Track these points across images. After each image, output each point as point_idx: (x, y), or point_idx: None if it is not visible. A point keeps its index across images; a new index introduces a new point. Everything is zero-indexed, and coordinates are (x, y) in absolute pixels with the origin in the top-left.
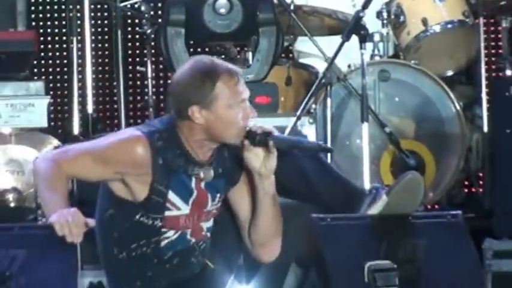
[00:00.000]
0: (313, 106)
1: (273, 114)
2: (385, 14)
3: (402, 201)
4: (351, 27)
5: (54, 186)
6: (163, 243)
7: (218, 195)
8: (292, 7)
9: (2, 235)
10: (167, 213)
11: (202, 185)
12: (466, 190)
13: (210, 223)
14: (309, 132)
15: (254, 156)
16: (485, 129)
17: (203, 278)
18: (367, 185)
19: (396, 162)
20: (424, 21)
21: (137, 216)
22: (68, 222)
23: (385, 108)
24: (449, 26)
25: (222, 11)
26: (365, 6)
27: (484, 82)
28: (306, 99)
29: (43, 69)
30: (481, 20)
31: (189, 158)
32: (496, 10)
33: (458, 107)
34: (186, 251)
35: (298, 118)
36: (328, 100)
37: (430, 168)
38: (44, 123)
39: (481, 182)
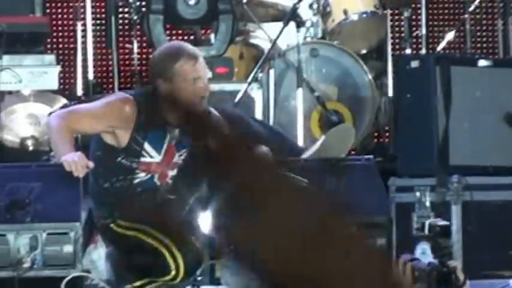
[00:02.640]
0: (260, 75)
1: (230, 81)
2: (315, 6)
3: (335, 144)
4: (289, 16)
5: (63, 136)
6: (135, 181)
7: (184, 150)
8: (244, 0)
9: (23, 171)
10: (142, 159)
11: (173, 141)
12: (376, 140)
13: (174, 172)
14: (257, 95)
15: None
16: (390, 94)
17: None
18: (300, 135)
19: (323, 119)
20: (345, 12)
21: (119, 159)
22: (74, 161)
23: (314, 77)
24: (364, 15)
25: (191, 2)
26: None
27: (390, 58)
28: (255, 70)
29: (54, 45)
30: (388, 11)
31: (162, 119)
32: (400, 3)
33: (370, 77)
34: (151, 190)
35: (249, 84)
36: (272, 71)
37: (349, 123)
38: (55, 87)
39: (387, 135)
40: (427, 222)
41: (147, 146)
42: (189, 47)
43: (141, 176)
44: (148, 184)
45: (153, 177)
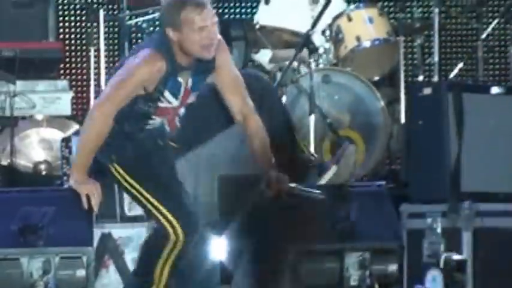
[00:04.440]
0: None
1: None
2: (328, 32)
3: (344, 171)
4: (303, 42)
5: (88, 152)
6: (147, 127)
7: (196, 92)
8: (258, 26)
9: (36, 196)
10: (160, 104)
11: (188, 84)
12: (387, 166)
13: (182, 110)
14: None
15: None
16: (403, 121)
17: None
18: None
19: (335, 146)
20: (358, 38)
21: (138, 104)
22: (90, 196)
23: (326, 104)
24: (376, 42)
25: None
26: (313, 26)
27: (402, 85)
28: None
29: (68, 71)
30: (401, 38)
31: (179, 66)
32: (412, 31)
33: (383, 104)
34: (158, 132)
35: None
36: (284, 97)
37: (361, 150)
38: (68, 112)
39: (399, 161)
40: (442, 256)
41: (167, 93)
42: None
43: (154, 121)
44: (157, 129)
45: (163, 124)
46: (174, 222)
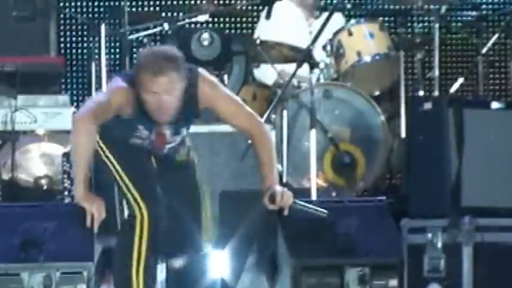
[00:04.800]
0: (273, 116)
1: None
2: (328, 47)
3: None
4: (303, 57)
5: (83, 163)
6: (131, 142)
7: (176, 135)
8: (258, 41)
9: (37, 211)
10: (136, 133)
11: (166, 135)
12: (388, 182)
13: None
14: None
15: None
16: (403, 135)
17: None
18: (313, 176)
19: (336, 160)
20: (358, 53)
21: (115, 129)
22: (94, 215)
23: (327, 118)
24: (377, 57)
25: (205, 43)
26: (314, 41)
27: (403, 100)
28: (268, 111)
29: (69, 86)
30: (402, 53)
31: (148, 115)
32: (413, 46)
33: (383, 119)
34: (143, 151)
35: None
36: (285, 112)
37: (361, 165)
38: (69, 127)
39: (399, 176)
40: None
41: (141, 127)
42: (159, 59)
43: (138, 141)
44: (141, 148)
45: (146, 148)
46: (140, 202)
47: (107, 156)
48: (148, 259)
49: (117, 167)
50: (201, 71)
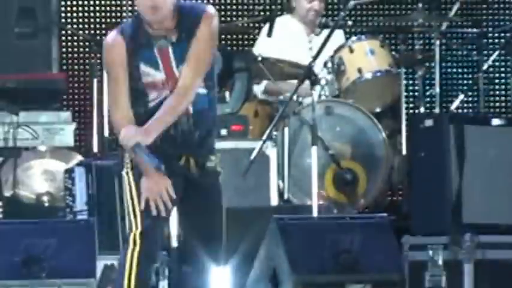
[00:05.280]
0: (275, 133)
1: (244, 139)
2: (330, 64)
3: None
4: (305, 74)
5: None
6: (151, 104)
7: (182, 61)
8: (260, 58)
9: (38, 227)
10: (144, 79)
11: (170, 54)
12: (389, 198)
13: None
14: (272, 153)
15: None
16: (404, 152)
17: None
18: (315, 193)
19: (337, 177)
20: (360, 70)
21: (132, 84)
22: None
23: (329, 135)
24: (378, 74)
25: None
26: (315, 58)
27: (404, 116)
28: (270, 128)
29: (71, 102)
30: (402, 70)
31: (148, 34)
32: (414, 62)
33: (384, 135)
34: None
35: (264, 142)
36: (286, 129)
37: (362, 181)
38: (71, 143)
39: (400, 193)
40: None
41: (143, 67)
42: None
43: (153, 97)
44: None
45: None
46: (139, 222)
47: (131, 194)
48: (139, 274)
49: (132, 182)
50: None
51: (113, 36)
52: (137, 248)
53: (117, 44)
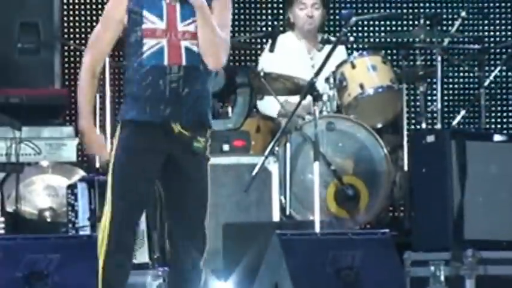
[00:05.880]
0: (277, 149)
1: (247, 154)
2: (332, 80)
3: None
4: (307, 90)
5: (84, 94)
6: (145, 55)
7: (188, 19)
8: (262, 74)
9: (41, 243)
10: (144, 25)
11: (175, 6)
12: (391, 214)
13: (190, 45)
14: (274, 168)
15: None
16: (406, 168)
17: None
18: (317, 209)
19: (339, 193)
20: (361, 86)
21: (129, 38)
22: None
23: (330, 151)
24: (380, 89)
25: None
26: (317, 74)
27: (405, 132)
28: (272, 144)
29: (73, 118)
30: (404, 85)
31: None
32: (415, 78)
33: (386, 151)
34: (158, 70)
35: (266, 158)
36: (288, 144)
37: (364, 197)
38: (73, 159)
39: (402, 209)
40: None
41: (146, 13)
42: None
43: (150, 43)
44: (156, 59)
45: (162, 51)
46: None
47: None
48: (107, 263)
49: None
50: None
51: None
52: (106, 232)
53: None
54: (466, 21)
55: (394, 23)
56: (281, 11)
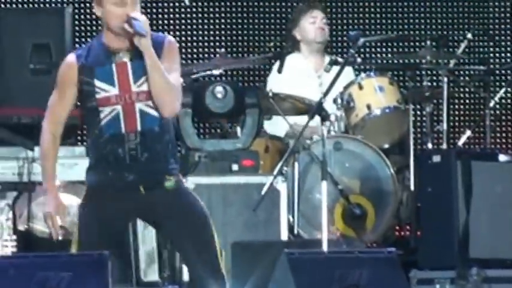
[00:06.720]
0: (285, 168)
1: (255, 173)
2: (339, 100)
3: None
4: (315, 110)
5: (48, 159)
6: (103, 122)
7: (141, 77)
8: (271, 94)
9: (53, 261)
10: (97, 95)
11: (127, 67)
12: (397, 233)
13: (145, 107)
14: (282, 187)
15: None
16: (412, 187)
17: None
18: (324, 228)
19: (346, 212)
20: (369, 106)
21: (85, 105)
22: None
23: (338, 170)
24: (387, 110)
25: (219, 96)
26: (325, 94)
27: (412, 152)
28: (280, 163)
29: (85, 138)
30: (411, 106)
31: (108, 49)
32: (422, 99)
33: (392, 171)
34: (116, 138)
35: (275, 177)
36: (296, 164)
37: (371, 216)
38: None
39: (408, 228)
40: None
41: (97, 82)
42: None
43: (106, 111)
44: (114, 127)
45: (118, 117)
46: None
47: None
48: None
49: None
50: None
51: (68, 57)
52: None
53: (68, 65)
54: (472, 43)
55: (401, 44)
56: (287, 34)
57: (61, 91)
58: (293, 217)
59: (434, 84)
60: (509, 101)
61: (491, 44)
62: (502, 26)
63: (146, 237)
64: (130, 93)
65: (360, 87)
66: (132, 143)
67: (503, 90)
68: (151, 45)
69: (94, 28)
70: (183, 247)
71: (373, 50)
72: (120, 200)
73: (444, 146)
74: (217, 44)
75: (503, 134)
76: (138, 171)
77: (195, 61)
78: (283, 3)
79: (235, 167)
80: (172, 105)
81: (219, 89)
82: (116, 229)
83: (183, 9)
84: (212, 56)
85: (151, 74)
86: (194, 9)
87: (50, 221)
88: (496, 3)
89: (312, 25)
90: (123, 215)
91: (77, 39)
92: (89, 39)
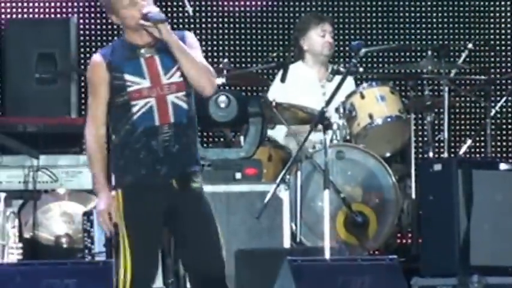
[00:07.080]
0: (288, 177)
1: (259, 182)
2: (341, 110)
3: None
4: (317, 119)
5: (96, 165)
6: (135, 117)
7: (171, 69)
8: (274, 103)
9: (58, 269)
10: (129, 89)
11: (155, 60)
12: (398, 241)
13: (175, 99)
14: (285, 196)
15: (151, 29)
16: (414, 196)
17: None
18: (327, 236)
19: (348, 220)
20: (370, 116)
21: (115, 101)
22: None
23: (340, 179)
24: (388, 119)
25: (223, 105)
26: (327, 104)
27: (413, 161)
28: (283, 172)
29: None
30: (412, 115)
31: (132, 46)
32: (423, 108)
33: (394, 180)
34: (150, 131)
35: (277, 185)
36: (299, 173)
37: (373, 224)
38: (89, 186)
39: (410, 235)
40: None
41: (127, 76)
42: None
43: (140, 105)
44: (147, 120)
45: (152, 110)
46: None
47: (120, 212)
48: None
49: (124, 230)
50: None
51: (93, 57)
52: None
53: (96, 64)
54: (472, 53)
55: (402, 54)
56: (292, 42)
57: (94, 92)
58: (296, 225)
59: (436, 93)
60: (509, 110)
61: (492, 53)
62: (503, 36)
63: None
64: (161, 85)
65: (362, 96)
66: (166, 135)
67: (503, 99)
68: (171, 31)
69: (99, 38)
70: (192, 254)
71: (374, 59)
72: (155, 202)
73: (445, 155)
74: (221, 54)
75: (504, 143)
76: (170, 162)
77: None
78: (286, 14)
79: (238, 175)
80: (210, 82)
81: (222, 98)
82: (158, 229)
83: (186, 19)
84: (215, 65)
85: (180, 58)
86: (197, 19)
87: (102, 217)
88: (497, 14)
89: (321, 38)
90: (160, 217)
91: (81, 49)
92: (94, 49)
